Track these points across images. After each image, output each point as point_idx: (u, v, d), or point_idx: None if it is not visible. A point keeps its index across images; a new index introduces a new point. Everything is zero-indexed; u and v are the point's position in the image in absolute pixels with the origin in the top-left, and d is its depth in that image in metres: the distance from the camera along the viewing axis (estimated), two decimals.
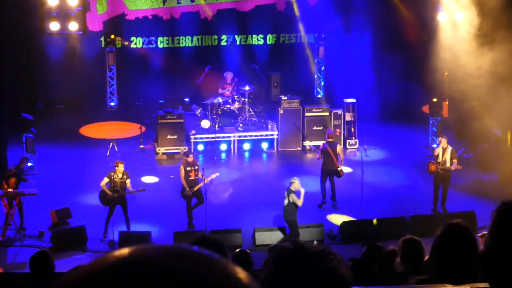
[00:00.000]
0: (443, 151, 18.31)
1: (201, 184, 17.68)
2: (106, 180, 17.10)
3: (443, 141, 18.51)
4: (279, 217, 17.44)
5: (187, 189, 17.67)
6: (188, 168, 17.83)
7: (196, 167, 17.94)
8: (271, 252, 2.11)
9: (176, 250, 1.41)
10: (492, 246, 2.55)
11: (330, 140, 19.23)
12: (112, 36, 25.85)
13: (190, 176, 17.81)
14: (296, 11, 26.87)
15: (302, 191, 16.60)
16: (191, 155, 18.17)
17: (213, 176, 17.87)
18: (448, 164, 18.19)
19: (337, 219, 18.03)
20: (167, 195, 19.66)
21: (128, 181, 17.15)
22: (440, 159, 18.26)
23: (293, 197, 16.41)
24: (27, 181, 17.62)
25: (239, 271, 1.42)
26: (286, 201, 16.53)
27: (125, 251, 1.42)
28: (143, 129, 22.62)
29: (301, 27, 27.22)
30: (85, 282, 1.37)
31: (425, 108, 23.89)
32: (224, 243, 4.87)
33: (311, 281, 2.01)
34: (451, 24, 22.83)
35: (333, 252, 2.08)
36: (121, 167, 17.12)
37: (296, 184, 16.58)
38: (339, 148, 19.20)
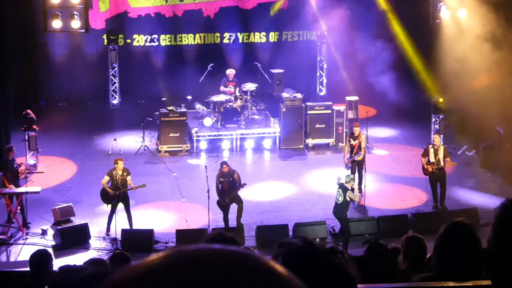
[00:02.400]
0: (436, 151, 18.24)
1: (235, 192, 17.28)
2: (106, 178, 17.09)
3: (437, 139, 18.50)
4: (281, 215, 17.45)
5: (221, 199, 17.25)
6: (221, 179, 17.29)
7: (231, 179, 17.27)
8: (280, 248, 2.11)
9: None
10: (496, 243, 2.56)
11: None
12: (112, 37, 25.96)
13: (223, 187, 17.29)
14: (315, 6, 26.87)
15: (356, 187, 16.68)
16: (225, 166, 17.38)
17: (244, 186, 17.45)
18: (442, 163, 18.15)
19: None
20: (169, 192, 19.68)
21: (128, 178, 17.13)
22: (433, 159, 18.21)
23: (350, 194, 16.42)
24: (21, 174, 17.50)
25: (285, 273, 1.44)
26: (340, 199, 16.48)
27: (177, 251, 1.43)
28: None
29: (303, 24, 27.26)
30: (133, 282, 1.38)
31: None
32: (238, 241, 4.90)
33: (320, 278, 2.02)
34: (454, 22, 22.81)
35: (341, 251, 2.09)
36: (120, 164, 17.09)
37: (351, 181, 16.59)
38: None
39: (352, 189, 16.44)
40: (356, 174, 18.63)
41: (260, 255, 1.45)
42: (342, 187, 16.49)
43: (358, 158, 18.90)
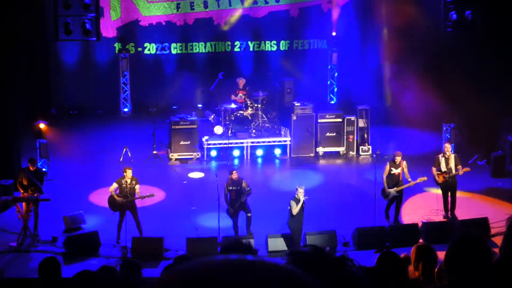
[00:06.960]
0: (447, 160, 18.17)
1: (242, 199, 17.05)
2: (115, 185, 17.09)
3: (448, 148, 18.45)
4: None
5: (230, 208, 17.11)
6: (230, 188, 17.07)
7: (239, 187, 17.02)
8: (291, 256, 2.10)
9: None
10: (508, 252, 2.54)
11: None
12: (121, 38, 26.14)
13: (231, 196, 17.09)
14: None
15: (302, 199, 16.41)
16: (234, 172, 17.19)
17: (247, 193, 17.26)
18: (453, 172, 18.07)
19: None
20: (179, 200, 19.68)
21: (137, 186, 17.09)
22: (445, 168, 18.13)
23: (292, 204, 16.33)
24: (38, 184, 17.41)
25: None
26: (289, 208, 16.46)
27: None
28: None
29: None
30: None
31: None
32: (254, 249, 4.88)
33: (331, 286, 2.01)
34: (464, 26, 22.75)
35: (351, 259, 2.08)
36: (129, 173, 17.08)
37: (300, 193, 16.39)
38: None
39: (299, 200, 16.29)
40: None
41: (297, 270, 1.46)
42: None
43: (409, 185, 18.16)
